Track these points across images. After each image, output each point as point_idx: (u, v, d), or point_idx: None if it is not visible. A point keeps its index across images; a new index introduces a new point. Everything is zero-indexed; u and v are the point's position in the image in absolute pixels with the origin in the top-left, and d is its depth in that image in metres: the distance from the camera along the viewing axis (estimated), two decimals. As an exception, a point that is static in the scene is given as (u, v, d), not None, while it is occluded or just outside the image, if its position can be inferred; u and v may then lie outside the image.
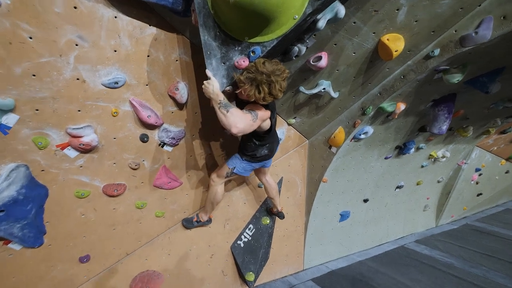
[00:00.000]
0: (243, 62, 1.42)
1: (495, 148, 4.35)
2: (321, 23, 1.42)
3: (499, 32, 1.48)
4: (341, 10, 1.43)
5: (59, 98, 1.55)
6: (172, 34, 1.76)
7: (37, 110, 1.52)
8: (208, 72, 1.49)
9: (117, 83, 1.67)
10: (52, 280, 1.85)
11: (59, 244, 1.82)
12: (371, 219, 3.68)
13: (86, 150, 1.69)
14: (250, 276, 2.63)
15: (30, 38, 1.39)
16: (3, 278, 1.68)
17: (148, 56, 1.73)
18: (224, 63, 1.47)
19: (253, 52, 1.39)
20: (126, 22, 1.60)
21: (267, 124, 1.77)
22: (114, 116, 1.75)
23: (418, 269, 3.20)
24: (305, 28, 1.46)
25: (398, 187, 3.73)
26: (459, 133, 3.23)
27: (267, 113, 1.69)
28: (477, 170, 4.45)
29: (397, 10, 1.61)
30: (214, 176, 2.09)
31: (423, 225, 4.47)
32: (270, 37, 1.33)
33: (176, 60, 1.84)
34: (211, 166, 2.31)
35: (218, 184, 2.09)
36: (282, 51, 1.68)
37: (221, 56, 1.46)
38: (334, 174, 2.88)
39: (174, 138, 2.00)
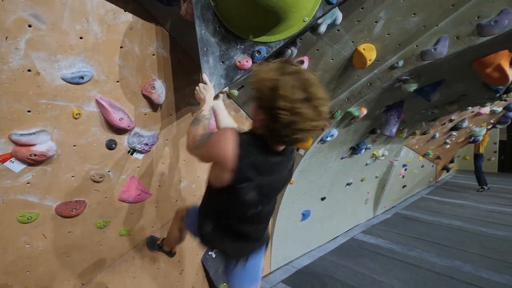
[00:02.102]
0: (246, 62, 1.33)
1: (417, 146, 5.23)
2: (323, 28, 1.44)
3: (453, 50, 1.77)
4: (339, 17, 1.49)
5: (1, 94, 1.18)
6: (150, 24, 1.55)
7: (-34, 109, 1.12)
8: (205, 77, 1.34)
9: (83, 77, 1.37)
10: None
11: (-8, 286, 1.38)
12: (326, 215, 3.95)
13: (38, 162, 1.33)
14: (221, 287, 2.50)
15: (-39, 10, 1.02)
16: None
17: (121, 47, 1.47)
18: (223, 62, 1.35)
19: (258, 52, 1.31)
20: (97, 4, 1.33)
21: (220, 176, 1.01)
22: (76, 118, 1.42)
23: (369, 257, 3.57)
24: (305, 30, 1.46)
25: (347, 184, 4.10)
26: (397, 135, 3.75)
27: (223, 147, 0.96)
28: (404, 165, 5.26)
29: (376, 22, 1.76)
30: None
31: (364, 217, 5.02)
32: (278, 37, 1.28)
33: (153, 55, 1.62)
34: (185, 173, 2.11)
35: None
36: (276, 52, 1.64)
37: (220, 54, 1.33)
38: (300, 176, 2.98)
39: (147, 144, 1.75)
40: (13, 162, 1.29)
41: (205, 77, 1.37)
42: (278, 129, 0.91)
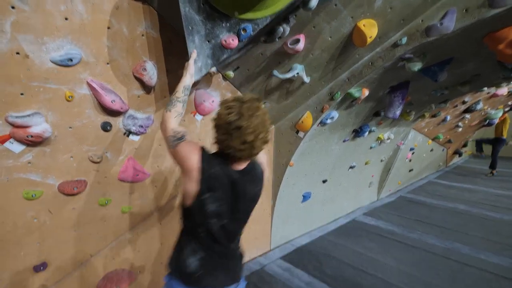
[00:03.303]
0: (232, 41, 1.30)
1: (426, 130, 5.07)
2: (314, 2, 1.37)
3: (460, 24, 1.64)
4: (331, -8, 1.42)
5: (-7, 77, 1.22)
6: (137, 3, 1.52)
7: (-38, 92, 1.17)
8: (194, 54, 1.34)
9: (71, 60, 1.39)
10: (-3, 296, 1.55)
11: (6, 254, 1.50)
12: (328, 197, 3.98)
13: (35, 143, 1.39)
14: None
15: None
16: None
17: (108, 28, 1.47)
18: (209, 41, 1.33)
19: (244, 30, 1.28)
20: (80, -16, 1.31)
21: (186, 189, 1.08)
22: (69, 101, 1.46)
23: (368, 238, 3.62)
24: (295, 6, 1.40)
25: (351, 167, 4.08)
26: (403, 117, 3.65)
27: (190, 158, 1.06)
28: (411, 149, 5.15)
29: (376, -4, 1.66)
30: None
31: (368, 199, 5.03)
32: (264, 13, 1.24)
33: (142, 35, 1.61)
34: (182, 154, 2.16)
35: None
36: (267, 31, 1.59)
37: (205, 33, 1.31)
38: (300, 158, 2.99)
39: (142, 126, 1.78)
40: (12, 143, 1.36)
41: (194, 52, 1.37)
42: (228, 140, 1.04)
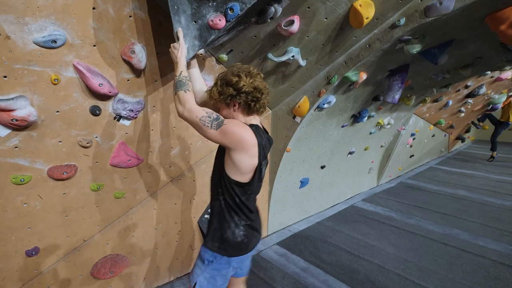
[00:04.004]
0: (219, 21, 1.25)
1: (427, 115, 4.99)
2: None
3: (460, 3, 1.57)
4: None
5: (-27, 59, 1.19)
6: (122, -18, 1.46)
7: None
8: (180, 32, 1.29)
9: (55, 41, 1.34)
10: (-8, 280, 1.57)
11: (-4, 239, 1.52)
12: (326, 183, 3.98)
13: (20, 126, 1.37)
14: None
15: None
16: None
17: (93, 8, 1.42)
18: (195, 22, 1.28)
19: (231, 9, 1.23)
20: (60, -39, 1.25)
21: (245, 166, 1.19)
22: (55, 84, 1.43)
23: (366, 224, 3.64)
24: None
25: (350, 153, 4.05)
26: (403, 102, 3.57)
27: (246, 137, 1.16)
28: (412, 135, 5.09)
29: (372, -26, 1.58)
30: None
31: (367, 185, 5.03)
32: (251, -9, 1.18)
33: (130, 16, 1.55)
34: (176, 140, 2.14)
35: None
36: (258, 11, 1.53)
37: (192, 12, 1.26)
38: (297, 144, 2.96)
39: (132, 111, 1.75)
40: (-3, 127, 1.34)
41: (179, 32, 1.32)
42: (250, 98, 1.22)
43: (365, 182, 4.91)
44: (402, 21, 1.83)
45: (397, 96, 2.70)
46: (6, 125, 1.34)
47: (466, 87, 4.30)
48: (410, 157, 5.76)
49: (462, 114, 5.53)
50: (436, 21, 1.77)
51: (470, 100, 4.89)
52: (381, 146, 4.75)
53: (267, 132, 1.39)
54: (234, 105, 1.25)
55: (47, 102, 1.44)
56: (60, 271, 1.83)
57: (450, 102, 4.68)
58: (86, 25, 1.42)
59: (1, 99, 1.28)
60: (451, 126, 6.34)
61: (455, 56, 2.54)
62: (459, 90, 4.36)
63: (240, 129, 1.16)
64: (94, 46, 1.49)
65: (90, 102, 1.59)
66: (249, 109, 1.26)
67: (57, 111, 1.50)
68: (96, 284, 2.00)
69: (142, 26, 1.62)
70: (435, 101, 4.34)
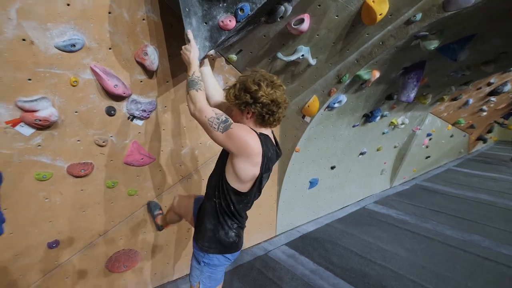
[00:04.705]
0: (230, 22, 1.28)
1: (445, 114, 4.82)
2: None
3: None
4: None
5: (2, 64, 1.28)
6: (136, -12, 1.52)
7: (-28, 78, 1.24)
8: (189, 34, 1.33)
9: (74, 45, 1.42)
10: (19, 267, 1.67)
11: (22, 231, 1.62)
12: (336, 184, 3.93)
13: (43, 126, 1.46)
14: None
15: (-50, -18, 1.08)
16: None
17: (109, 13, 1.48)
18: (206, 23, 1.31)
19: (242, 9, 1.25)
20: (78, -31, 1.32)
21: (245, 175, 1.18)
22: (74, 85, 1.51)
23: (378, 227, 3.56)
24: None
25: (361, 153, 3.98)
26: (419, 101, 3.48)
27: (251, 144, 1.14)
28: (429, 135, 4.93)
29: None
30: None
31: (380, 187, 4.92)
32: (259, -8, 1.20)
33: (143, 19, 1.61)
34: (186, 140, 2.19)
35: None
36: (268, 10, 1.55)
37: (202, 14, 1.29)
38: (306, 144, 2.95)
39: (145, 111, 1.82)
40: (22, 126, 1.43)
41: (189, 33, 1.35)
42: (266, 110, 1.18)
43: (377, 183, 4.81)
44: (418, 16, 1.79)
45: (412, 95, 2.64)
46: (31, 125, 1.43)
47: (489, 84, 4.11)
48: (426, 158, 5.58)
49: (484, 113, 5.29)
50: (456, 15, 1.71)
51: (493, 98, 4.67)
52: (395, 147, 4.64)
53: (277, 144, 1.36)
54: (248, 113, 1.21)
55: (67, 103, 1.53)
56: (78, 263, 1.92)
57: (471, 101, 4.49)
58: (102, 29, 1.50)
59: (26, 101, 1.37)
60: (472, 126, 6.08)
61: (476, 52, 2.44)
62: (480, 88, 4.18)
63: (246, 135, 1.14)
64: (110, 49, 1.56)
65: (105, 103, 1.67)
66: (262, 121, 1.21)
67: (76, 112, 1.58)
68: (110, 277, 2.09)
69: (155, 29, 1.68)
70: (454, 99, 4.18)
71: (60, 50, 1.41)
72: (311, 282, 2.43)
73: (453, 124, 5.43)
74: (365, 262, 2.76)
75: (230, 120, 1.17)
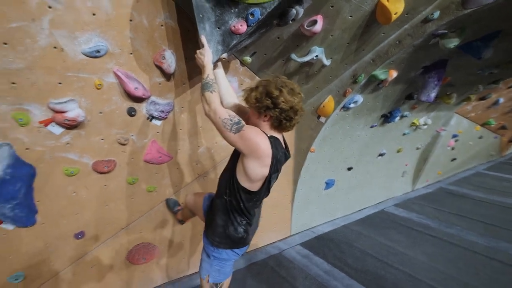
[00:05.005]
0: (241, 26, 1.33)
1: (473, 114, 4.56)
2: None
3: (505, -9, 1.46)
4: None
5: (36, 69, 1.41)
6: (155, -4, 1.61)
7: (13, 83, 1.38)
8: (203, 39, 1.39)
9: (99, 51, 1.54)
10: (49, 256, 1.84)
11: (52, 222, 1.78)
12: (353, 186, 3.86)
13: (71, 126, 1.59)
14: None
15: (-6, -2, 1.22)
16: (0, 258, 1.65)
17: (130, 20, 1.59)
18: (219, 28, 1.37)
19: (252, 14, 1.29)
20: (103, -19, 1.43)
21: (255, 175, 1.23)
22: (98, 88, 1.63)
23: (397, 230, 3.46)
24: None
25: (380, 154, 3.88)
26: (443, 100, 3.33)
27: (262, 146, 1.18)
28: (454, 136, 4.69)
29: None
30: None
31: (401, 190, 4.76)
32: (270, -3, 1.24)
33: (161, 25, 1.70)
34: (202, 139, 2.27)
35: None
36: (279, 14, 1.58)
37: (215, 19, 1.35)
38: (321, 144, 2.93)
39: (163, 112, 1.92)
40: (53, 126, 1.57)
41: (203, 38, 1.42)
42: (284, 116, 1.23)
43: (398, 186, 4.65)
44: (436, 14, 1.74)
45: (432, 95, 2.54)
46: (60, 125, 1.57)
47: (520, 83, 3.85)
48: (452, 160, 5.30)
49: (516, 114, 4.95)
50: (476, 12, 1.65)
51: (525, 98, 4.37)
52: (417, 148, 4.46)
53: (287, 147, 1.40)
54: (266, 116, 1.25)
55: (92, 104, 1.65)
56: (101, 254, 2.06)
57: (501, 100, 4.22)
58: (124, 36, 1.60)
59: (57, 103, 1.50)
60: (503, 127, 5.69)
61: (502, 50, 2.31)
62: (511, 87, 3.91)
63: (257, 137, 1.19)
64: (131, 54, 1.67)
65: (127, 104, 1.78)
66: (279, 125, 1.27)
67: (100, 112, 1.70)
68: (131, 268, 2.22)
69: (172, 34, 1.76)
70: (482, 98, 3.95)
71: (86, 56, 1.53)
72: (325, 282, 2.43)
73: (482, 125, 5.12)
74: (381, 265, 2.71)
75: (243, 122, 1.22)
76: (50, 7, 1.35)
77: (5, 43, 1.31)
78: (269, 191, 1.39)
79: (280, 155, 1.27)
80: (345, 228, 3.49)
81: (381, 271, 2.61)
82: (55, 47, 1.43)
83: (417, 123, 3.71)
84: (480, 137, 5.50)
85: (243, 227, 1.39)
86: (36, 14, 1.33)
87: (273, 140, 1.23)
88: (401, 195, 4.66)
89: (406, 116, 3.38)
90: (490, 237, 3.25)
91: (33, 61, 1.40)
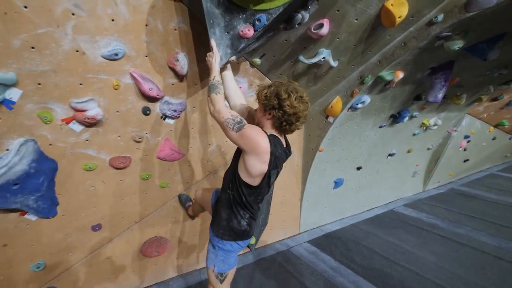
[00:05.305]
0: (248, 31, 1.41)
1: (485, 115, 4.49)
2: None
3: (506, -6, 1.48)
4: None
5: (60, 71, 1.53)
6: (169, 1, 1.70)
7: (39, 84, 1.50)
8: (213, 43, 1.48)
9: (117, 54, 1.64)
10: (68, 246, 1.96)
11: (71, 214, 1.90)
12: (363, 185, 3.87)
13: (91, 124, 1.71)
14: (251, 240, 2.82)
15: (25, 7, 1.34)
16: (23, 246, 1.78)
17: (146, 25, 1.69)
18: (228, 32, 1.46)
19: (259, 20, 1.37)
20: (122, -11, 1.53)
21: (255, 170, 1.31)
22: (116, 89, 1.74)
23: (405, 230, 3.46)
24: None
25: (390, 154, 3.88)
26: (452, 101, 3.31)
27: (261, 144, 1.26)
28: (466, 137, 4.62)
29: (402, -27, 1.57)
30: None
31: (411, 190, 4.72)
32: (277, 3, 1.31)
33: (175, 30, 1.80)
34: (213, 138, 2.36)
35: None
36: (285, 19, 1.65)
37: (225, 25, 1.44)
38: (330, 144, 2.97)
39: (175, 111, 2.01)
40: (74, 124, 1.69)
41: (212, 42, 1.51)
42: (285, 118, 1.31)
43: (408, 186, 4.62)
44: (440, 17, 1.77)
45: (440, 95, 2.55)
46: (81, 122, 1.68)
47: (534, 83, 3.76)
48: (464, 161, 5.21)
49: (532, 115, 4.82)
50: (479, 16, 1.67)
51: (540, 98, 4.26)
52: (428, 149, 4.43)
53: (288, 145, 1.48)
54: (270, 114, 1.35)
55: (110, 104, 1.76)
56: (116, 246, 2.18)
57: (514, 101, 4.15)
58: (140, 40, 1.70)
59: (78, 102, 1.62)
60: (518, 128, 5.56)
61: (508, 51, 2.30)
62: (524, 88, 3.83)
63: (257, 135, 1.27)
64: (146, 56, 1.77)
65: (142, 104, 1.88)
66: (279, 126, 1.35)
67: (117, 111, 1.81)
68: (144, 260, 2.33)
69: (185, 37, 1.86)
70: (494, 99, 3.89)
71: (105, 58, 1.64)
72: (331, 278, 2.47)
73: (495, 126, 5.02)
74: (388, 263, 2.73)
75: (245, 121, 1.31)
76: (73, 14, 1.46)
77: (32, 47, 1.43)
78: (269, 186, 1.46)
79: (279, 152, 1.34)
80: (353, 227, 3.52)
81: (388, 269, 2.64)
82: (77, 51, 1.54)
83: (427, 124, 3.69)
84: (494, 138, 5.39)
85: (246, 220, 1.48)
86: (61, 21, 1.45)
87: (272, 139, 1.31)
88: (411, 196, 4.63)
89: (415, 117, 3.37)
90: (500, 238, 3.21)
91: (57, 63, 1.52)
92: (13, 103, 1.47)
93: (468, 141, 4.76)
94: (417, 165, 4.50)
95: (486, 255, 2.88)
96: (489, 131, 5.03)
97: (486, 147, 5.42)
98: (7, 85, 1.41)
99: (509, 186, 5.02)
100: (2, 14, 1.29)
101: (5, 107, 1.45)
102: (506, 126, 5.11)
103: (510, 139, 5.98)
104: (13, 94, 1.45)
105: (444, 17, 1.76)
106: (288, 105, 1.28)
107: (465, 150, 4.91)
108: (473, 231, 3.39)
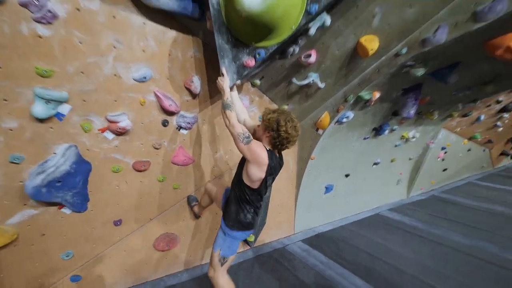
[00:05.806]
0: (250, 61, 1.82)
1: (458, 129, 4.98)
2: (312, 30, 1.83)
3: (452, 36, 1.93)
4: (328, 20, 1.84)
5: (100, 90, 1.91)
6: (188, 36, 2.12)
7: (84, 100, 1.87)
8: (223, 70, 1.89)
9: (145, 77, 2.03)
10: (93, 238, 2.26)
11: (98, 209, 2.22)
12: (351, 191, 4.26)
13: (121, 133, 2.07)
14: (250, 238, 3.15)
15: (80, 42, 1.72)
16: (57, 236, 2.08)
17: (169, 55, 2.09)
18: (235, 62, 1.86)
19: (259, 54, 1.79)
20: (152, 27, 1.94)
21: (255, 176, 1.69)
22: (142, 105, 2.12)
23: (389, 230, 3.83)
24: (298, 34, 1.86)
25: (375, 163, 4.29)
26: (427, 116, 3.78)
27: (262, 157, 1.64)
28: (443, 148, 5.10)
29: (373, 16, 2.02)
30: (211, 271, 1.89)
31: (396, 197, 5.12)
32: (272, 42, 1.73)
33: (191, 57, 2.20)
34: (219, 146, 2.73)
35: (219, 277, 1.86)
36: (280, 51, 2.08)
37: (232, 56, 1.85)
38: (320, 153, 3.37)
39: (189, 123, 2.39)
40: (108, 133, 2.04)
41: (223, 69, 1.91)
42: (279, 140, 1.70)
43: (393, 193, 5.02)
44: (404, 50, 2.22)
45: (412, 112, 2.99)
46: (113, 132, 2.04)
47: (498, 102, 4.29)
48: (443, 170, 5.68)
49: (500, 129, 5.35)
50: (434, 50, 2.12)
51: (505, 115, 4.79)
52: (410, 159, 4.87)
53: (281, 158, 1.87)
54: (268, 133, 1.72)
55: (137, 117, 2.13)
56: (133, 240, 2.48)
57: (482, 117, 4.65)
58: (163, 66, 2.10)
59: (113, 115, 1.99)
60: (489, 141, 6.09)
61: (467, 75, 2.77)
62: (490, 105, 4.36)
63: (259, 150, 1.65)
64: (168, 79, 2.16)
65: (162, 117, 2.26)
66: (273, 144, 1.73)
67: (142, 123, 2.18)
68: (156, 254, 2.63)
69: (199, 63, 2.26)
70: (465, 115, 4.39)
71: (136, 81, 2.02)
72: (321, 271, 2.80)
73: (469, 139, 5.53)
74: (372, 259, 3.08)
75: (251, 137, 1.69)
76: (114, 47, 1.86)
77: (82, 72, 1.81)
78: (266, 188, 1.85)
79: (274, 163, 1.74)
80: (343, 229, 3.87)
81: (371, 263, 2.98)
82: (115, 75, 1.93)
83: (407, 136, 4.14)
84: (469, 150, 5.90)
85: (251, 214, 1.86)
86: (105, 52, 1.84)
87: (269, 153, 1.70)
88: (396, 201, 5.03)
89: (395, 130, 3.82)
90: (472, 238, 3.59)
91: (99, 84, 1.90)
92: (64, 115, 1.83)
93: (445, 152, 5.23)
94: (400, 173, 4.92)
95: (458, 252, 3.25)
96: (464, 143, 5.54)
97: (463, 158, 5.92)
98: (60, 102, 1.78)
99: (484, 193, 5.47)
100: (63, 48, 1.68)
101: (57, 118, 1.81)
102: (478, 139, 5.63)
103: (484, 151, 6.52)
104: (64, 108, 1.81)
105: (407, 50, 2.21)
106: (284, 131, 1.66)
107: (443, 160, 5.37)
108: (448, 232, 3.78)
